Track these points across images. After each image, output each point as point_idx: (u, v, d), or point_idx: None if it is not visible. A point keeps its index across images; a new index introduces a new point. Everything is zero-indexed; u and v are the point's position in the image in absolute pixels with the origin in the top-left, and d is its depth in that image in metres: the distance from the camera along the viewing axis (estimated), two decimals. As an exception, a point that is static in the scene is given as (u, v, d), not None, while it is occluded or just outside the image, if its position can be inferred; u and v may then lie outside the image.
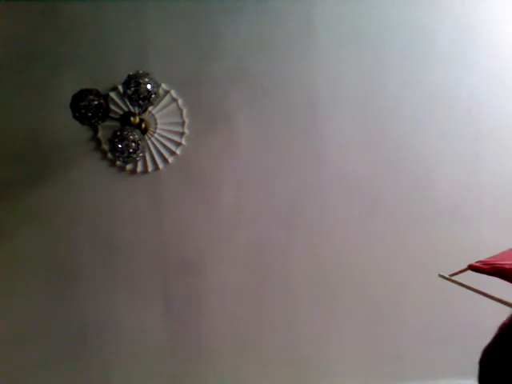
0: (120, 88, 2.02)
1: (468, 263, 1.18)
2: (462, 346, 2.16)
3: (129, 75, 1.86)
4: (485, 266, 1.10)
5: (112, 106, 2.01)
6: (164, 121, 2.09)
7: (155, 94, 1.88)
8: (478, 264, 1.14)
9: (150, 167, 2.09)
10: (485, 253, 1.27)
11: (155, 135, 2.08)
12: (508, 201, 2.17)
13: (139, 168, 2.09)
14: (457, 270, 1.23)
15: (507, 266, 1.05)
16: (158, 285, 2.11)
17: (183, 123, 2.09)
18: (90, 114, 1.84)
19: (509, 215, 2.17)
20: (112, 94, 2.04)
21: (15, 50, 2.02)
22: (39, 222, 2.05)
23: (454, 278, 1.20)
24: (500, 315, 0.79)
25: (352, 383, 2.19)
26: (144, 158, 2.06)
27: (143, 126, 2.03)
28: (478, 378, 0.59)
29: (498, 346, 0.56)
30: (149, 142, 2.07)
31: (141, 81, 1.83)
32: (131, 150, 1.90)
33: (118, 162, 2.07)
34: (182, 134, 2.10)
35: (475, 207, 2.17)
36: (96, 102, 1.84)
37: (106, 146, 2.05)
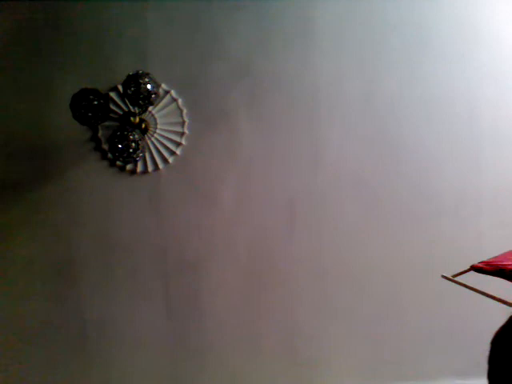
0: (120, 88, 2.01)
1: (470, 264, 1.18)
2: (462, 347, 2.17)
3: (129, 75, 1.85)
4: (487, 267, 1.10)
5: (112, 106, 2.01)
6: (164, 121, 2.08)
7: (155, 94, 1.88)
8: (480, 264, 1.14)
9: (150, 167, 2.08)
10: (487, 253, 1.28)
11: (155, 135, 2.08)
12: (509, 200, 2.17)
13: (139, 168, 2.08)
14: (459, 270, 1.23)
15: (510, 267, 1.05)
16: (159, 285, 2.11)
17: (183, 123, 2.09)
18: (90, 114, 1.84)
19: (510, 215, 2.17)
20: (112, 94, 2.03)
21: (15, 50, 2.01)
22: (39, 222, 2.05)
23: (456, 278, 1.20)
24: (502, 316, 0.78)
25: (352, 383, 2.19)
26: (144, 157, 2.06)
27: (143, 125, 2.03)
28: (488, 358, 0.60)
29: (510, 328, 0.56)
30: (149, 142, 2.07)
31: (141, 81, 1.83)
32: (131, 150, 1.90)
33: (118, 162, 2.06)
34: (182, 134, 2.09)
35: (477, 207, 2.18)
36: (96, 102, 1.83)
37: (106, 146, 2.05)
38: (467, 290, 1.17)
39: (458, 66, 2.16)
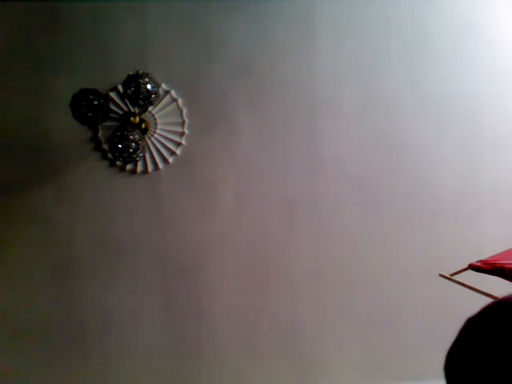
0: (120, 88, 2.02)
1: (468, 263, 1.18)
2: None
3: (129, 75, 1.86)
4: (485, 266, 1.10)
5: (112, 106, 2.01)
6: (164, 121, 2.09)
7: (155, 94, 1.88)
8: (478, 263, 1.14)
9: (150, 167, 2.08)
10: (485, 252, 1.28)
11: (155, 135, 2.08)
12: (508, 200, 2.17)
13: (139, 168, 2.08)
14: (457, 269, 1.23)
15: (508, 266, 1.05)
16: (158, 284, 2.11)
17: (183, 123, 2.09)
18: (90, 114, 1.84)
19: (509, 215, 2.17)
20: (112, 94, 2.03)
21: (15, 51, 2.02)
22: (39, 222, 2.05)
23: (454, 277, 1.20)
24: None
25: (352, 383, 2.19)
26: (144, 157, 2.06)
27: (143, 125, 2.03)
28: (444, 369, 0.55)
29: (461, 341, 0.53)
30: (149, 142, 2.07)
31: (141, 81, 1.84)
32: (131, 150, 1.90)
33: (118, 162, 2.07)
34: (182, 134, 2.09)
35: (476, 207, 2.18)
36: (96, 102, 1.84)
37: (106, 146, 2.05)
38: (467, 289, 1.18)
39: (458, 66, 2.16)
